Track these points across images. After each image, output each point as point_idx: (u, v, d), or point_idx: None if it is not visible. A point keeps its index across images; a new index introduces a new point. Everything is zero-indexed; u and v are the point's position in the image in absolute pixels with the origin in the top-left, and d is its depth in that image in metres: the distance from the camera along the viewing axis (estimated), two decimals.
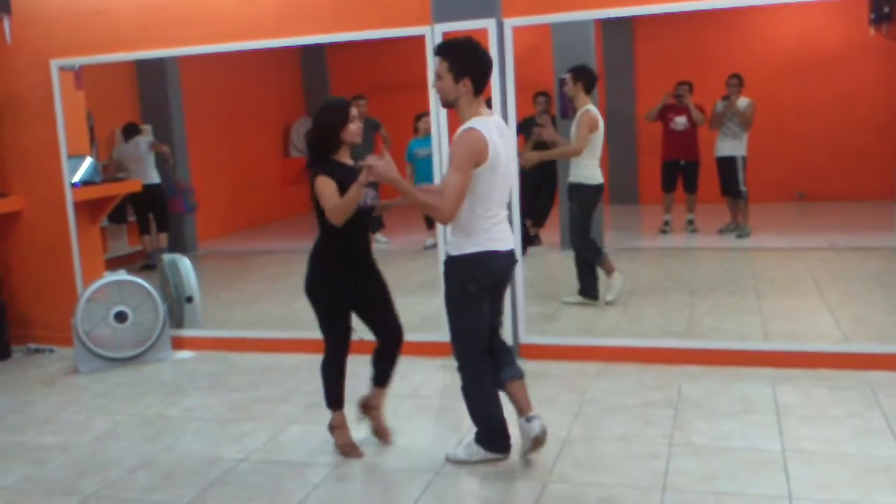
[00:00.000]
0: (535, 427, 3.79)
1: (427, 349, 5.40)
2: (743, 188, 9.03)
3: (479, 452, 3.88)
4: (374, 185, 3.84)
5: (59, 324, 6.13)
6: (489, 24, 5.18)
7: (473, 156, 3.56)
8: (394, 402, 4.62)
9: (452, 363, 5.14)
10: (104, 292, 5.78)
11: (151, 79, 10.00)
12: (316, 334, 5.71)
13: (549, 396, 4.71)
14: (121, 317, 5.78)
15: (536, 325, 5.84)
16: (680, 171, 9.47)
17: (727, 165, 9.09)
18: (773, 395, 4.52)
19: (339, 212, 3.80)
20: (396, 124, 9.91)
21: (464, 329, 3.81)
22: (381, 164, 3.61)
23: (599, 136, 6.51)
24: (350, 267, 4.04)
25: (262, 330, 6.21)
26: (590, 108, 6.43)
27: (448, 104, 3.75)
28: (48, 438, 4.56)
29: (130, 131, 9.03)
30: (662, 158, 9.58)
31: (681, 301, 6.62)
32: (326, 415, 4.32)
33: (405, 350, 4.17)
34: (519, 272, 5.40)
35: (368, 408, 4.25)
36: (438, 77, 3.71)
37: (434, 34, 5.26)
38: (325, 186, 3.85)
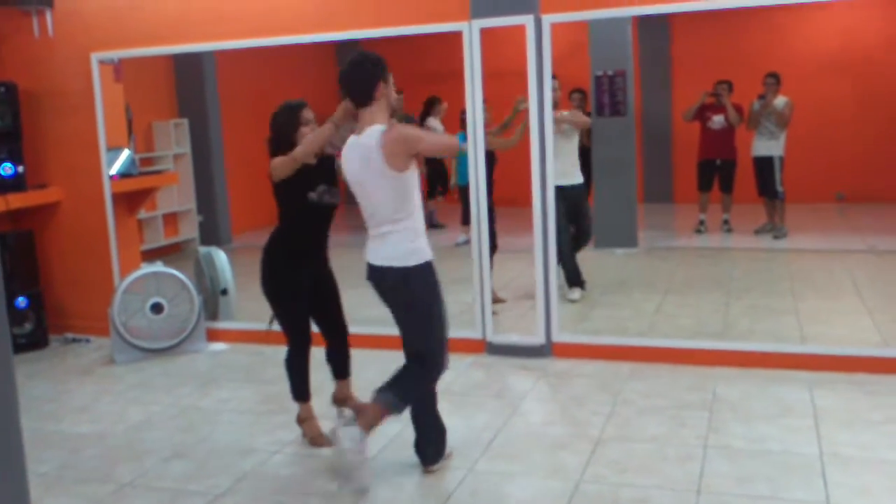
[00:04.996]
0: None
1: (460, 346, 5.39)
2: (780, 188, 8.92)
3: None
4: (329, 182, 4.00)
5: (96, 314, 6.21)
6: (527, 21, 5.15)
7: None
8: None
9: (483, 360, 5.15)
10: (141, 284, 5.84)
11: (189, 73, 10.09)
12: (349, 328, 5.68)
13: (581, 396, 4.68)
14: (157, 308, 5.83)
15: (569, 323, 5.81)
16: (716, 171, 9.36)
17: (764, 165, 8.98)
18: (810, 398, 4.46)
19: (306, 149, 3.83)
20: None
21: (444, 333, 3.72)
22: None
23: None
24: (306, 260, 4.10)
25: None
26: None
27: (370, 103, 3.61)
28: (84, 427, 4.62)
29: (427, 107, 9.25)
30: (699, 157, 9.48)
31: (716, 302, 6.54)
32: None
33: None
34: (551, 270, 5.38)
35: (342, 399, 4.40)
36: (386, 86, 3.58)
37: (472, 30, 5.24)
38: (275, 160, 3.93)
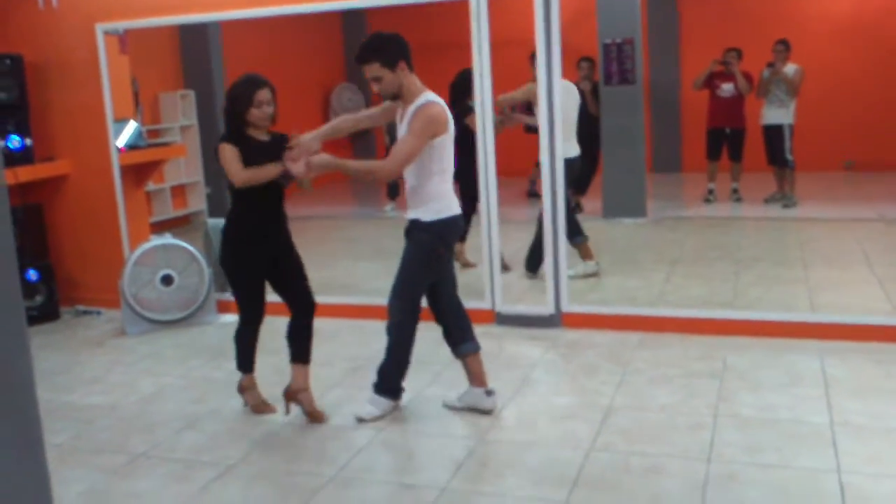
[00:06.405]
0: (492, 402, 4.10)
1: (470, 316, 5.38)
2: (790, 157, 8.86)
3: (384, 402, 4.11)
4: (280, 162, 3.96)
5: (106, 286, 6.22)
6: None
7: (433, 126, 3.80)
8: (434, 369, 4.64)
9: (492, 330, 5.15)
10: (150, 256, 5.85)
11: (194, 44, 10.02)
12: (354, 299, 5.76)
13: (591, 366, 4.69)
14: (167, 280, 5.85)
15: (579, 293, 5.80)
16: (725, 139, 9.30)
17: (774, 134, 8.91)
18: (820, 367, 4.46)
19: (243, 179, 3.87)
20: (439, 88, 9.80)
21: (419, 288, 4.03)
22: (317, 159, 3.83)
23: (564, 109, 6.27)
24: (263, 238, 4.05)
25: None
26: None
27: (395, 96, 3.89)
28: (96, 398, 4.65)
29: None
30: (708, 126, 9.41)
31: (725, 271, 6.53)
32: (369, 378, 4.35)
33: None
34: (561, 240, 5.37)
35: (294, 393, 4.18)
36: (377, 80, 3.82)
37: None
38: (225, 152, 3.90)
